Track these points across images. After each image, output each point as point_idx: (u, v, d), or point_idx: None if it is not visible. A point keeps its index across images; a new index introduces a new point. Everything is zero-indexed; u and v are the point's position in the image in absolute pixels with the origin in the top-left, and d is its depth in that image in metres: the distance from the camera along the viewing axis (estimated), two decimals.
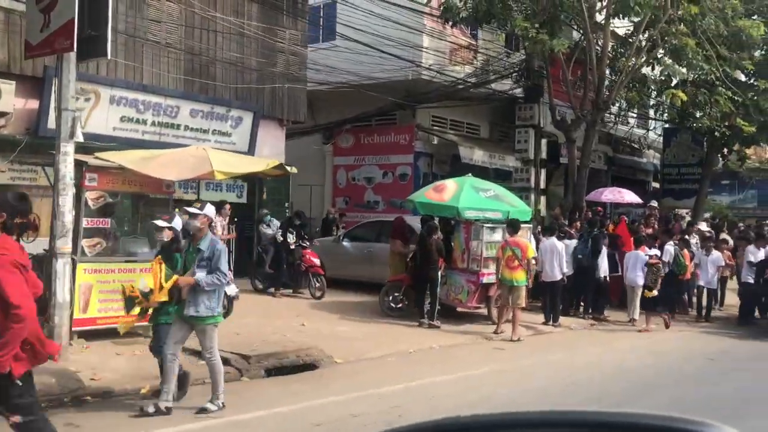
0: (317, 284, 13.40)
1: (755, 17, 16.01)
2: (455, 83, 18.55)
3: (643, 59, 15.72)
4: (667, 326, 12.02)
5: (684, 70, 15.97)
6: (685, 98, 15.47)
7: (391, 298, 12.06)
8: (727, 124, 18.82)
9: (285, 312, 11.71)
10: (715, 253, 13.78)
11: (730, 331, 12.49)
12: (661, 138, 25.78)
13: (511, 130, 19.53)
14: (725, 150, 23.40)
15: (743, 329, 12.54)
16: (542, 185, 18.78)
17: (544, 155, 18.78)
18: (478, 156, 19.83)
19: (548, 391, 7.43)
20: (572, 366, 8.86)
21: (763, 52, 19.19)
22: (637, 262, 12.05)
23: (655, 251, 12.28)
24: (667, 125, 24.81)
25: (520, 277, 10.82)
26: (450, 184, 12.05)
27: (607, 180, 23.42)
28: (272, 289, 13.69)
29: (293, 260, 13.56)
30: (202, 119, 14.66)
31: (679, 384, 8.02)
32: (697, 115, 17.95)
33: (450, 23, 15.83)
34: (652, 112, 23.79)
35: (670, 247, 12.83)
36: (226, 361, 7.88)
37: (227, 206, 13.13)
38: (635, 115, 24.64)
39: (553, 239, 12.39)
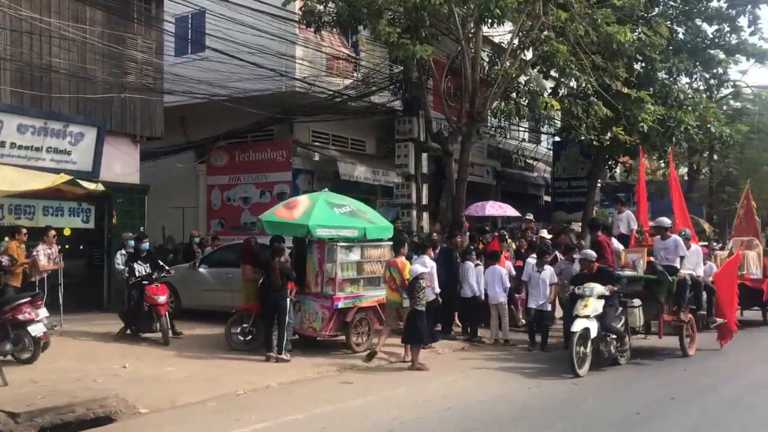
0: (163, 326, 11.13)
1: (628, 26, 15.71)
2: (332, 96, 17.56)
3: (516, 67, 15.15)
4: (413, 364, 9.82)
5: (556, 76, 15.56)
6: (558, 106, 15.04)
7: (239, 329, 10.78)
8: (609, 135, 18.62)
9: (111, 354, 10.17)
10: (548, 269, 11.60)
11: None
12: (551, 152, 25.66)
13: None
14: (611, 162, 23.44)
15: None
16: (424, 201, 17.97)
17: (425, 170, 18.00)
18: (360, 172, 18.87)
19: None
20: (412, 403, 7.73)
21: (643, 64, 19.19)
22: (495, 278, 11.24)
23: (420, 267, 10.14)
24: (557, 139, 24.68)
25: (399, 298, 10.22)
26: (303, 201, 10.93)
27: (497, 195, 22.96)
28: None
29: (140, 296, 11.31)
30: (34, 135, 13.02)
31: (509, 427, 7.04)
32: (579, 126, 17.52)
33: (312, 29, 14.81)
34: (545, 127, 23.65)
35: (532, 261, 12.06)
36: None
37: (52, 232, 11.58)
38: (524, 129, 24.46)
39: (424, 258, 11.46)
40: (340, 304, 10.44)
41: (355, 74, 18.67)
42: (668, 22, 19.87)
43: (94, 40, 13.96)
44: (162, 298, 11.24)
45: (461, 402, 7.78)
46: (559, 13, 14.13)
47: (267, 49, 16.04)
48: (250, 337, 10.74)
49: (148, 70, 15.18)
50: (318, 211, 10.42)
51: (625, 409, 7.65)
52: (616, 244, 11.94)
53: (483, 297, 12.26)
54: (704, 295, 11.48)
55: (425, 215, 17.93)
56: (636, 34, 16.89)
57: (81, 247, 14.45)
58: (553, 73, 16.83)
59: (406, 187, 17.72)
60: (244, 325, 10.74)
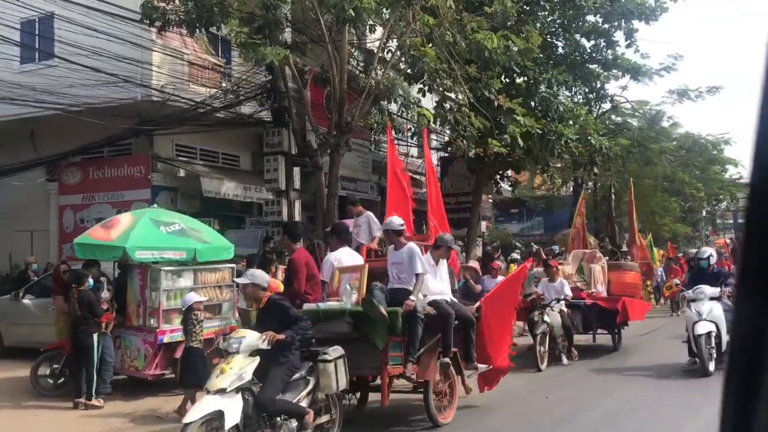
0: None
1: (499, 33, 15.15)
2: (194, 106, 16.16)
3: (386, 76, 14.30)
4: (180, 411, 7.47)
5: (431, 86, 14.86)
6: (430, 116, 14.28)
7: (48, 371, 9.25)
8: (494, 150, 18.07)
9: None
10: None
11: None
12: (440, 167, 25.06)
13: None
14: (497, 176, 23.07)
15: None
16: (297, 218, 16.78)
17: (297, 185, 16.83)
18: (228, 189, 17.51)
19: None
20: None
21: (525, 78, 18.83)
22: None
23: (194, 295, 8.11)
24: (445, 154, 24.12)
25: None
26: (124, 219, 9.56)
27: (383, 211, 22.03)
28: None
29: None
30: None
31: None
32: (456, 139, 16.84)
33: (156, 28, 13.46)
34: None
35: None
36: None
37: None
38: (412, 144, 23.76)
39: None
40: (166, 339, 9.08)
41: (223, 83, 17.39)
42: (547, 36, 19.70)
43: None
44: None
45: None
46: (427, 19, 13.39)
47: (119, 55, 14.61)
48: (62, 379, 9.23)
49: None
50: (139, 230, 9.08)
51: None
52: (349, 258, 8.19)
53: None
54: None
55: None
56: (509, 43, 16.44)
57: None
58: (425, 81, 16.08)
59: (277, 203, 16.47)
60: (54, 366, 9.23)
